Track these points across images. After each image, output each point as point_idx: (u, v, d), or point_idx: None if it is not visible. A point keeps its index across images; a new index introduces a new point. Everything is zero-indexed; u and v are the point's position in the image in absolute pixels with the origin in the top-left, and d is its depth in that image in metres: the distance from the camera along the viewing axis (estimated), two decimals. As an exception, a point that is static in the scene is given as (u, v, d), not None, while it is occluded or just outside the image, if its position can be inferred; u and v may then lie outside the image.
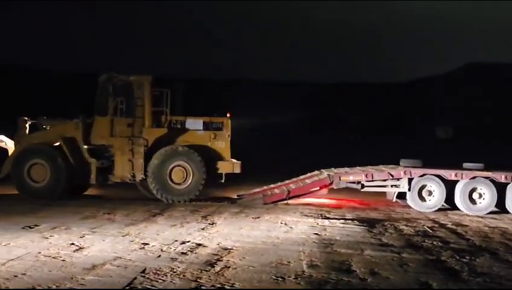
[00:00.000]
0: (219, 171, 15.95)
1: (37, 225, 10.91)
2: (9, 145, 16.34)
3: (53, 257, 8.17)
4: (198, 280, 7.00)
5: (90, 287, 6.56)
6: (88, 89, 17.49)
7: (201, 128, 16.13)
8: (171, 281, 6.91)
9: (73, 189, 16.04)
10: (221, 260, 8.15)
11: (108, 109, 15.71)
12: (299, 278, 7.12)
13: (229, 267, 7.73)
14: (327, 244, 9.56)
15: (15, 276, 7.05)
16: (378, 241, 10.02)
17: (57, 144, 15.71)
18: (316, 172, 16.53)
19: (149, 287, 6.62)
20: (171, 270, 7.44)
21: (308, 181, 15.84)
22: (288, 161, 28.07)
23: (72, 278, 6.95)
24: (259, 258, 8.33)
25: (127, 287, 6.55)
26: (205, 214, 12.95)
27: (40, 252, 8.47)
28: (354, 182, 15.54)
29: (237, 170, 15.89)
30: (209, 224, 11.56)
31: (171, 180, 15.50)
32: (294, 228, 11.17)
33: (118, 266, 7.68)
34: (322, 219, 12.45)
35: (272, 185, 16.25)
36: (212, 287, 6.63)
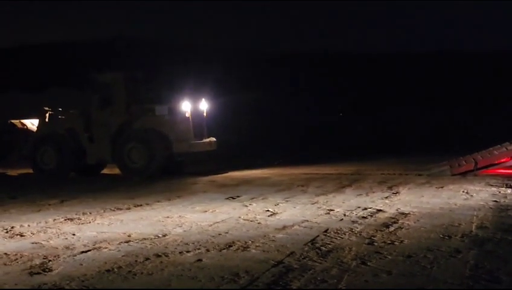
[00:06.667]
0: (176, 151, 18.07)
1: (238, 196, 12.51)
2: (34, 127, 20.15)
3: (250, 220, 9.54)
4: (372, 237, 7.94)
5: (279, 243, 7.75)
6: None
7: (167, 113, 18.22)
8: (348, 239, 7.92)
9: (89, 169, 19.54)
10: (397, 223, 9.01)
11: (94, 103, 18.86)
12: (464, 237, 7.79)
13: (402, 228, 8.58)
14: (503, 209, 10.01)
15: (219, 234, 8.46)
16: (559, 207, 10.21)
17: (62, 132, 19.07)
18: (506, 143, 16.62)
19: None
20: (349, 230, 8.46)
21: (496, 152, 16.01)
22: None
23: (265, 236, 8.20)
24: (433, 221, 9.08)
25: (309, 243, 7.67)
26: (391, 185, 13.81)
27: (240, 217, 9.90)
28: (546, 153, 15.49)
29: (193, 149, 18.09)
30: (393, 193, 12.43)
31: (130, 159, 18.02)
32: (475, 196, 11.65)
33: (304, 227, 8.85)
34: (506, 188, 12.75)
35: (460, 157, 16.62)
36: (383, 243, 7.54)
